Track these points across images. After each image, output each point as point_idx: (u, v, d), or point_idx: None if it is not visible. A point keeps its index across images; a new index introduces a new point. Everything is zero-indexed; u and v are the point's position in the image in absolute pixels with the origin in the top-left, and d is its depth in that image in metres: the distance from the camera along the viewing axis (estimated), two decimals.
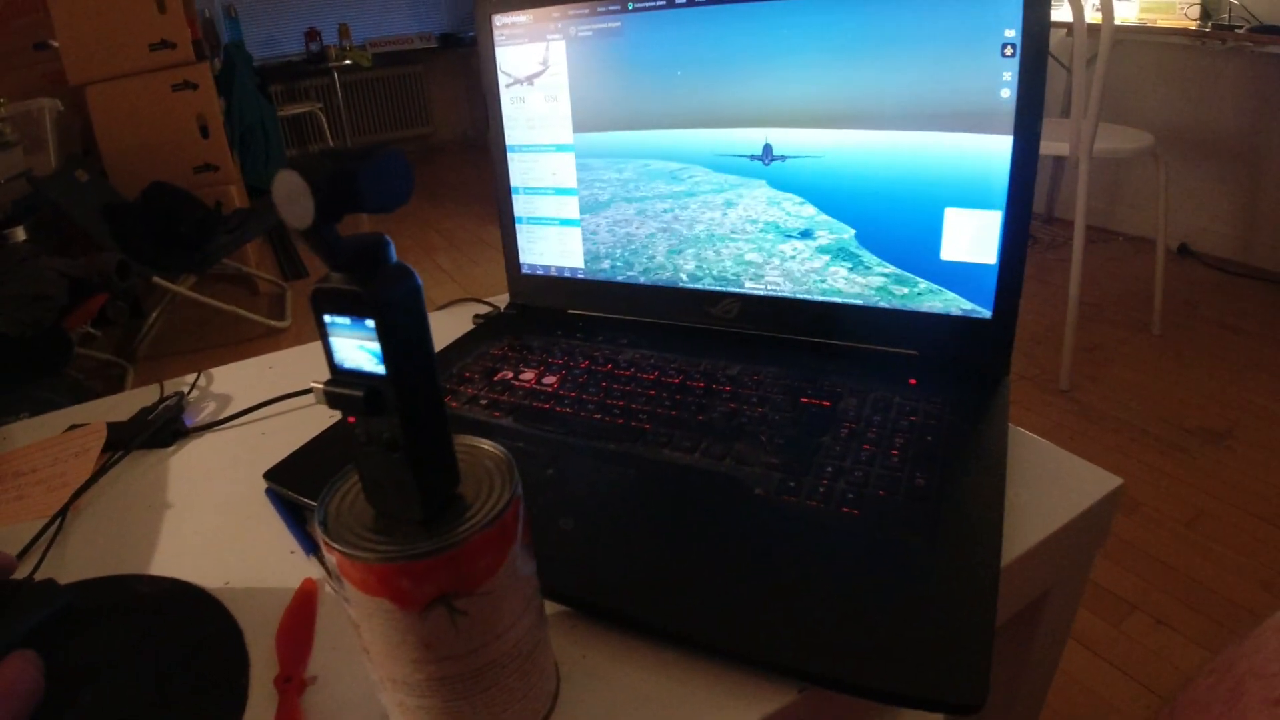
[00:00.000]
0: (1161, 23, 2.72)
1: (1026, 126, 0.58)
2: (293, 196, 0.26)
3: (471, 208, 4.48)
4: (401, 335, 0.29)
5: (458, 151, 6.01)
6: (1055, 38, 3.16)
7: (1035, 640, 0.59)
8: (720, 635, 0.41)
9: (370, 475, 0.32)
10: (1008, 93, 0.58)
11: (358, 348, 0.29)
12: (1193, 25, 2.65)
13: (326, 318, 0.30)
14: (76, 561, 0.53)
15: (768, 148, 0.67)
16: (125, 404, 0.73)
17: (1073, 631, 1.31)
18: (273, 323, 2.93)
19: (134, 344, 2.85)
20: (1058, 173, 3.49)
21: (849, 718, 0.44)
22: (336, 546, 0.31)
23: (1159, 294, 2.41)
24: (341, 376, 0.31)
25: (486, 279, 3.37)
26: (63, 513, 0.57)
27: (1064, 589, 0.57)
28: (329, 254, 0.28)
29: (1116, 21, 2.01)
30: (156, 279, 2.59)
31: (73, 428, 0.69)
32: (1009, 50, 0.57)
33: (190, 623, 0.47)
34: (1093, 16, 2.07)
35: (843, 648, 0.39)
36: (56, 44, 2.90)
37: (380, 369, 0.29)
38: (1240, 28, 2.53)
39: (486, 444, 0.36)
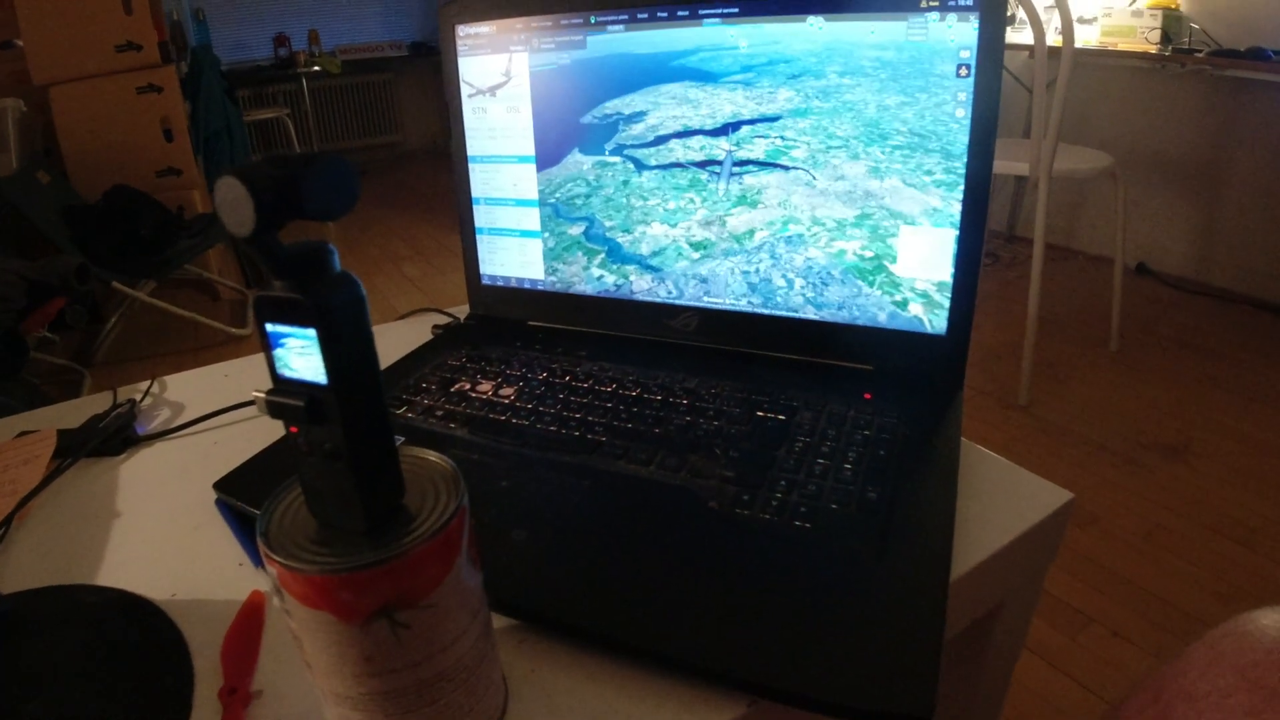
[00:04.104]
0: (1122, 46, 2.78)
1: (980, 146, 0.59)
2: (234, 203, 0.26)
3: (439, 217, 4.46)
4: (344, 344, 0.29)
5: (426, 160, 5.99)
6: (1018, 60, 3.22)
7: (989, 652, 0.60)
8: (671, 648, 0.41)
9: (312, 485, 0.32)
10: (963, 112, 0.59)
11: (299, 356, 0.29)
12: (1153, 49, 2.70)
13: (268, 326, 0.29)
14: (21, 571, 0.52)
15: (728, 158, 0.67)
16: (78, 411, 0.71)
17: (1030, 643, 1.33)
18: (233, 330, 2.90)
19: (92, 349, 2.80)
20: (1019, 192, 3.54)
21: None
22: (277, 558, 0.30)
23: (1117, 311, 2.45)
24: (283, 385, 0.30)
25: (453, 288, 3.36)
26: (7, 521, 0.56)
27: (1017, 602, 0.58)
28: (271, 261, 0.28)
29: (1078, 44, 2.05)
30: (116, 283, 2.55)
31: (23, 434, 0.68)
32: (964, 71, 0.58)
33: (135, 634, 0.46)
34: (1054, 39, 2.11)
35: (793, 660, 0.39)
36: (21, 43, 2.85)
37: (322, 378, 0.29)
38: (1200, 51, 2.59)
39: (433, 455, 0.36)
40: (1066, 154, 2.20)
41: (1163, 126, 2.98)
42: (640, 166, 0.71)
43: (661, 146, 0.70)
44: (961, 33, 0.58)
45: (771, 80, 0.64)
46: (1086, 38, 2.89)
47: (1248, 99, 2.72)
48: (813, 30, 0.62)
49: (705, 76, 0.67)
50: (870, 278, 0.65)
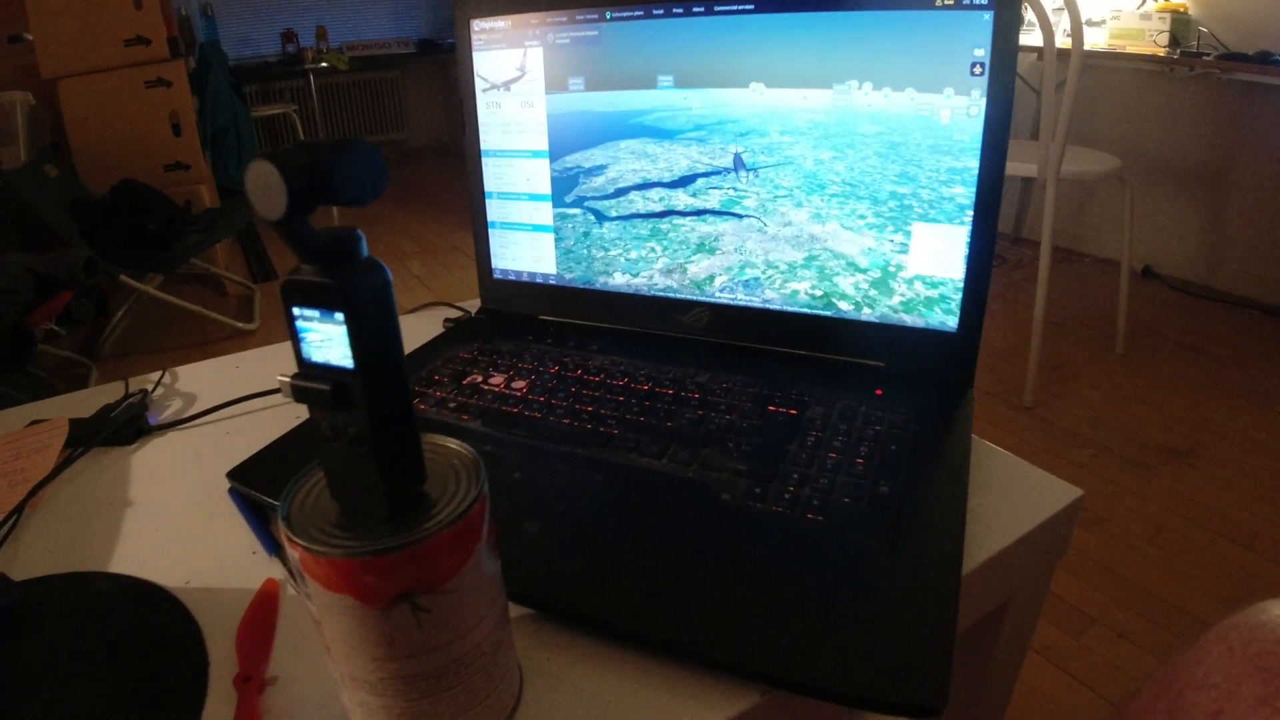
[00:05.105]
0: (1131, 49, 2.77)
1: (993, 144, 0.59)
2: (266, 187, 0.26)
3: (444, 214, 4.47)
4: (371, 329, 0.29)
5: (432, 157, 5.99)
6: (1026, 62, 3.21)
7: (996, 649, 0.60)
8: (684, 638, 0.41)
9: (335, 470, 0.32)
10: (976, 110, 0.59)
11: (326, 341, 0.29)
12: (1161, 52, 2.70)
13: (295, 310, 0.29)
14: (33, 558, 0.52)
15: (737, 158, 0.67)
16: (89, 401, 0.72)
17: (1034, 643, 1.33)
18: (240, 324, 2.90)
19: (99, 343, 2.80)
20: (1026, 194, 3.54)
21: None
22: (299, 541, 0.30)
23: (1123, 314, 2.45)
24: (309, 370, 0.30)
25: (459, 285, 3.36)
26: (19, 509, 0.56)
27: (1025, 598, 0.58)
28: (300, 246, 0.28)
29: (1086, 47, 2.05)
30: (123, 277, 2.55)
31: (35, 423, 0.68)
32: (978, 69, 0.58)
33: (149, 621, 0.47)
34: (1063, 41, 2.10)
35: (806, 651, 0.39)
36: (30, 37, 2.86)
37: (348, 363, 0.29)
38: (1208, 55, 2.58)
39: (454, 443, 0.36)
40: (1074, 156, 2.20)
41: (1170, 130, 2.98)
42: (601, 218, 0.74)
43: (621, 198, 0.73)
44: (976, 31, 0.58)
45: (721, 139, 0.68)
46: (1095, 40, 2.89)
47: (1256, 103, 2.72)
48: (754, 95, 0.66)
49: (661, 134, 0.70)
50: (883, 275, 0.65)
